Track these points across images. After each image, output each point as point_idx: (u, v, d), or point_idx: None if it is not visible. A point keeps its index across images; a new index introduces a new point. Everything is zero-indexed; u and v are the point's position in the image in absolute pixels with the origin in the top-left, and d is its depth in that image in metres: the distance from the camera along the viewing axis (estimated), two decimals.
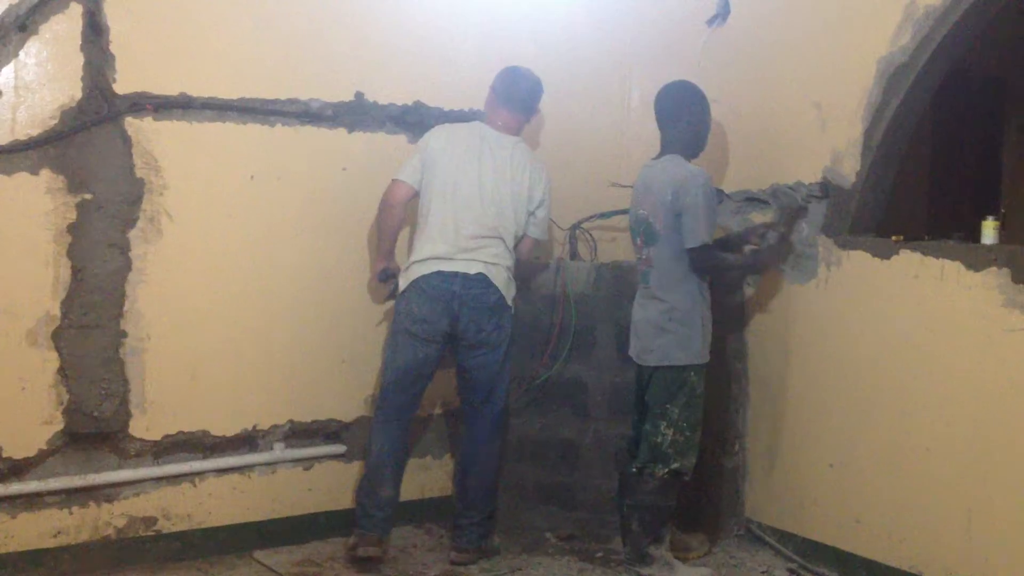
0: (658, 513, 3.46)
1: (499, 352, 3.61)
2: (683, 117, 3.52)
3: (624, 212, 4.14)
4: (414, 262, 3.55)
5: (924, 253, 3.31)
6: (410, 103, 3.88)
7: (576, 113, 4.27)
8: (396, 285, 3.64)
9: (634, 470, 3.48)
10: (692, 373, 3.46)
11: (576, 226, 4.19)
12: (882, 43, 3.42)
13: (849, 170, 3.55)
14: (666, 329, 3.45)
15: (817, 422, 3.64)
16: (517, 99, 3.69)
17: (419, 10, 3.89)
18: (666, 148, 3.54)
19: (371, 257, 3.82)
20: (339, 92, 3.76)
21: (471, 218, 3.54)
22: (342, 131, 3.78)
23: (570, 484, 3.99)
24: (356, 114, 3.79)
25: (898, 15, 3.37)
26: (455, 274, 3.50)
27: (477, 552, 3.64)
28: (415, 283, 3.52)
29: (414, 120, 3.89)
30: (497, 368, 3.63)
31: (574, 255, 4.19)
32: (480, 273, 3.52)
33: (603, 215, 4.20)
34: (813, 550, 3.65)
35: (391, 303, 3.74)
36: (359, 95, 3.80)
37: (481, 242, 3.54)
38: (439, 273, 3.50)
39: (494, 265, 3.54)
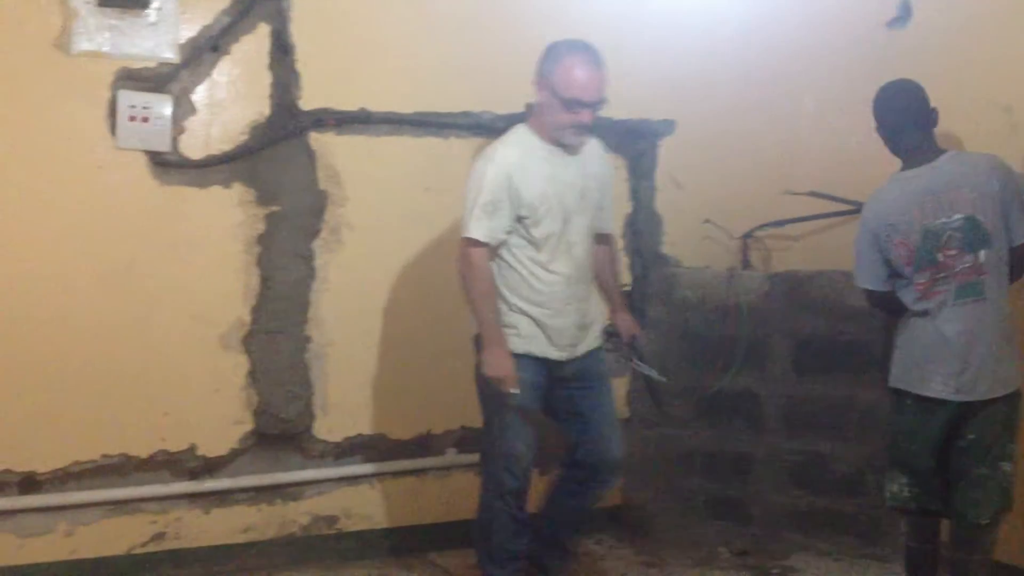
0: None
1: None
2: (930, 113, 3.07)
3: (800, 220, 4.06)
4: None
5: None
6: None
7: (748, 120, 4.18)
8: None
9: (985, 522, 2.91)
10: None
11: (749, 235, 4.10)
12: None
13: None
14: (1004, 349, 2.90)
15: None
16: None
17: (590, 23, 3.91)
18: (929, 146, 3.02)
19: None
20: (509, 104, 3.80)
21: None
22: None
23: (743, 498, 3.91)
24: None
25: None
26: None
27: None
28: None
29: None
30: None
31: (747, 265, 4.11)
32: None
33: (777, 224, 4.09)
34: None
35: None
36: (529, 106, 3.82)
37: None
38: None
39: None
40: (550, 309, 3.04)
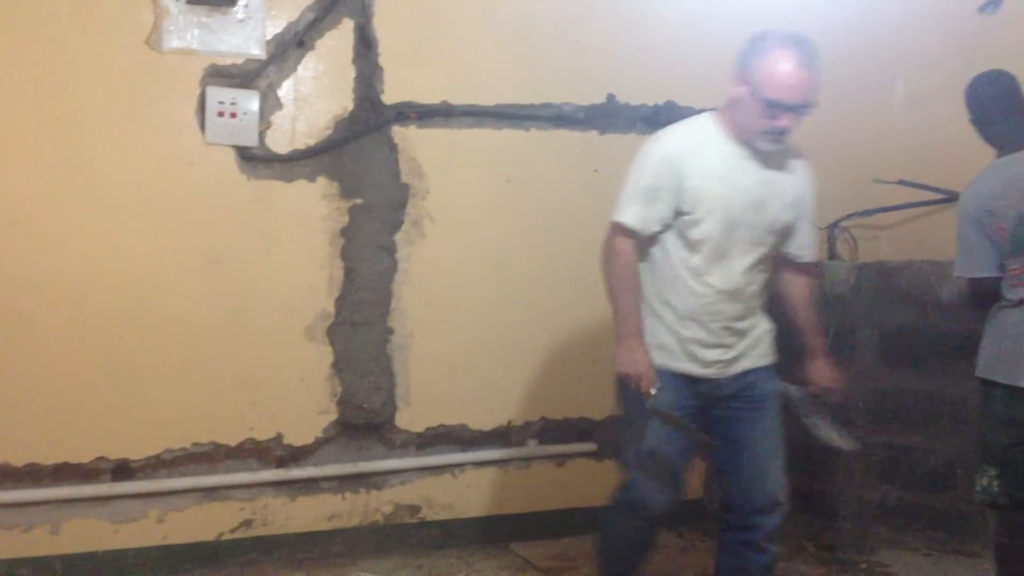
0: None
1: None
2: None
3: (889, 209, 3.97)
4: None
5: None
6: (661, 103, 3.88)
7: (837, 108, 4.07)
8: None
9: None
10: None
11: (836, 224, 4.02)
12: None
13: None
14: None
15: None
16: None
17: (672, 10, 3.88)
18: (1022, 133, 2.92)
19: None
20: (591, 95, 3.80)
21: None
22: (593, 133, 3.82)
23: (830, 492, 3.84)
24: (607, 116, 3.83)
25: None
26: None
27: None
28: None
29: (666, 120, 3.82)
30: None
31: (833, 255, 4.03)
32: None
33: (865, 213, 4.01)
34: None
35: None
36: (610, 97, 3.83)
37: None
38: None
39: None
40: (693, 322, 2.69)
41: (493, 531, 3.74)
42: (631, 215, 2.67)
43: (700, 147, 2.68)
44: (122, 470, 3.28)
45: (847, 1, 4.05)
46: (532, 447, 3.80)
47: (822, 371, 2.86)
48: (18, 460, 3.16)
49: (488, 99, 3.65)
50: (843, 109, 4.07)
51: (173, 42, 3.24)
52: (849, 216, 4.02)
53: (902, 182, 3.92)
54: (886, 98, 4.18)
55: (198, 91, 3.28)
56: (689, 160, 2.65)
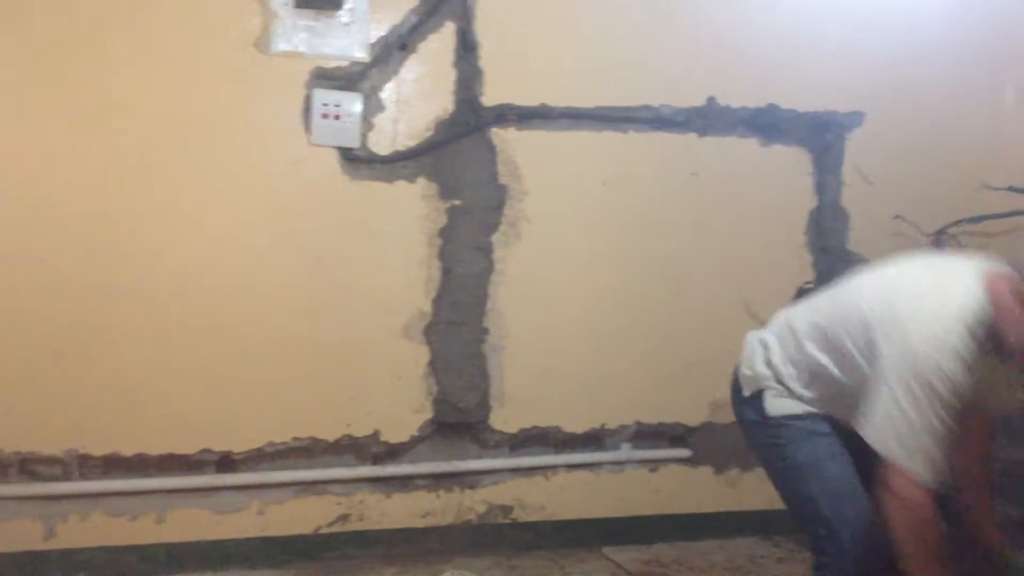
0: None
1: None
2: None
3: (996, 217, 3.86)
4: None
5: None
6: (763, 105, 3.82)
7: (943, 111, 3.99)
8: None
9: None
10: None
11: (942, 232, 3.91)
12: None
13: None
14: None
15: None
16: None
17: (775, 9, 3.82)
18: None
19: None
20: (690, 97, 3.77)
21: None
22: (692, 136, 3.78)
23: None
24: (707, 118, 3.78)
25: None
26: None
27: None
28: None
29: (767, 123, 3.82)
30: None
31: None
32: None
33: (973, 220, 3.89)
34: None
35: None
36: (710, 99, 3.78)
37: None
38: None
39: None
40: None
41: (584, 534, 3.73)
42: (927, 468, 2.06)
43: (982, 357, 2.11)
44: (225, 462, 3.37)
45: (960, 1, 3.94)
46: (625, 451, 3.79)
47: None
48: (127, 450, 3.27)
49: (586, 101, 3.65)
50: (952, 111, 3.99)
51: (281, 45, 3.31)
52: (956, 223, 3.90)
53: (1012, 188, 3.80)
54: (996, 101, 4.06)
55: (304, 93, 3.34)
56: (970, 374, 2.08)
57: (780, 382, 2.50)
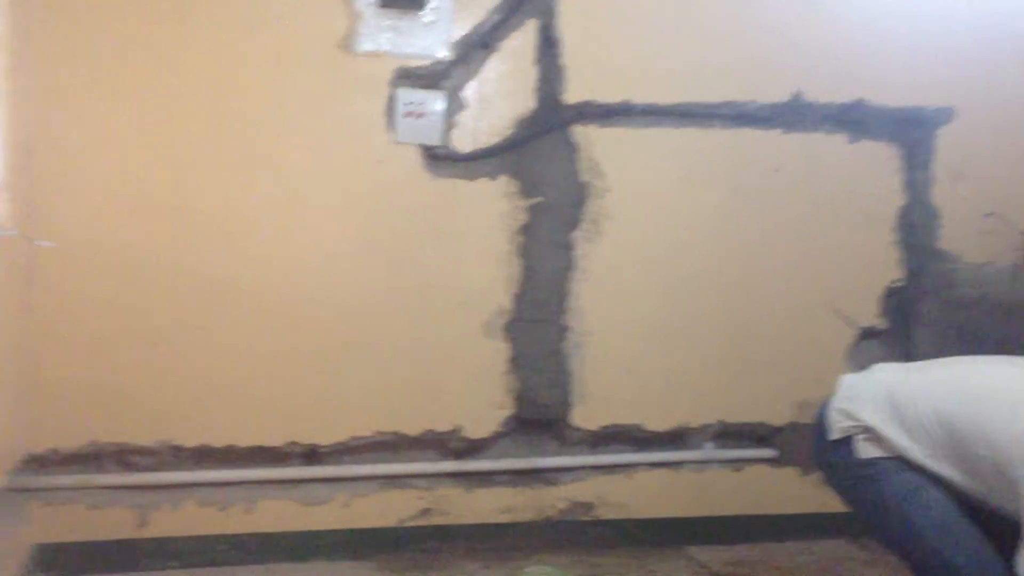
0: None
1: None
2: None
3: None
4: None
5: None
6: (850, 101, 3.75)
7: None
8: None
9: None
10: None
11: None
12: None
13: None
14: None
15: None
16: None
17: (862, 7, 3.75)
18: None
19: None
20: (775, 93, 3.72)
21: None
22: (777, 132, 3.73)
23: None
24: (792, 114, 3.73)
25: None
26: None
27: None
28: None
29: (854, 119, 3.75)
30: None
31: None
32: None
33: None
34: None
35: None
36: (796, 95, 3.73)
37: None
38: None
39: None
40: None
41: (666, 533, 3.71)
42: None
43: None
44: (311, 454, 3.43)
45: None
46: (708, 450, 3.75)
47: None
48: (217, 442, 3.36)
49: (668, 98, 3.63)
50: None
51: (366, 45, 3.37)
52: None
53: None
54: None
55: (387, 92, 3.39)
56: None
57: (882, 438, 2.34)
